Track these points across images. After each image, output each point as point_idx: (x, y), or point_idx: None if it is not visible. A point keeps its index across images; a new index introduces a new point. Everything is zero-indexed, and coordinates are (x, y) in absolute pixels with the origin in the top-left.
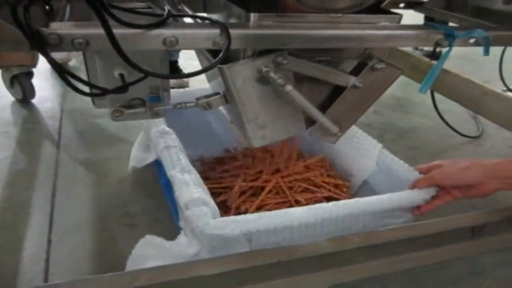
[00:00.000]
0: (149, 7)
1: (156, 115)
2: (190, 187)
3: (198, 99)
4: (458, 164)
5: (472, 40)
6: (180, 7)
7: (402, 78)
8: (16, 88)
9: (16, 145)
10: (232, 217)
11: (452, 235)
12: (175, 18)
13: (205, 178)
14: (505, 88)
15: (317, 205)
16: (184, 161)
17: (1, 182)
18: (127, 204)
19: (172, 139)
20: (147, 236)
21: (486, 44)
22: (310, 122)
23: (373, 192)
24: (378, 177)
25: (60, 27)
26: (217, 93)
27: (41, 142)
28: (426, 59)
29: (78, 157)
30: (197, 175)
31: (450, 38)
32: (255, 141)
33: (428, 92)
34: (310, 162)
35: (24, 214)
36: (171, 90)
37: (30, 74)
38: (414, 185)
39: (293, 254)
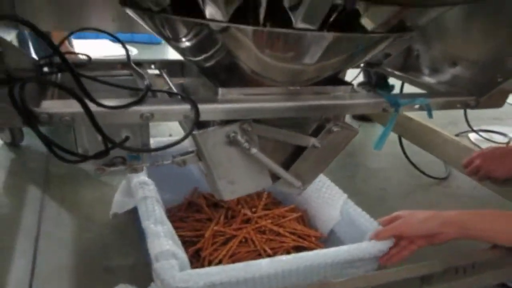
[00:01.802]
0: (131, 75)
1: (135, 171)
2: (161, 239)
3: (174, 156)
4: (417, 215)
5: (416, 106)
6: (159, 73)
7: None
8: (5, 131)
9: (3, 188)
10: (197, 270)
11: (401, 285)
12: (153, 92)
13: (178, 227)
14: (469, 129)
15: (279, 257)
16: (159, 212)
17: None
18: (107, 250)
19: (150, 189)
20: (120, 285)
21: (428, 109)
22: (276, 176)
23: (339, 241)
24: (343, 227)
25: (50, 107)
26: (191, 152)
27: (27, 185)
28: None
29: (63, 200)
30: (170, 226)
31: (395, 105)
32: (225, 195)
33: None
34: (281, 211)
35: (7, 259)
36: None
37: None
38: (376, 236)
39: None
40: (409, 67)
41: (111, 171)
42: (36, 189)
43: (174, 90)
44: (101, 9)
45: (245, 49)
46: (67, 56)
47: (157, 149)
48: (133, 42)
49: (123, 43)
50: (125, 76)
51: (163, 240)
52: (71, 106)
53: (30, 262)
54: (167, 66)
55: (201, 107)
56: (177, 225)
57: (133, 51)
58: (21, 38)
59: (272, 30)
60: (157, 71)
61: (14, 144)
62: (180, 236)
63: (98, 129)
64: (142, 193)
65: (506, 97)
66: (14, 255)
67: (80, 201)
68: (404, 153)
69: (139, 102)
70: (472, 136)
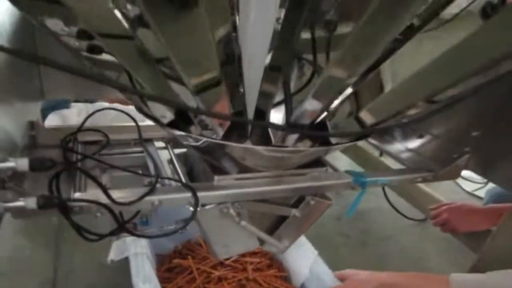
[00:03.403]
0: (142, 152)
1: (143, 236)
2: None
3: (176, 222)
4: (359, 276)
5: (380, 182)
6: (166, 147)
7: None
8: None
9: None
10: None
11: None
12: (161, 180)
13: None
14: None
15: None
16: (148, 270)
17: None
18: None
19: (142, 246)
20: None
21: (389, 186)
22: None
23: None
24: (312, 282)
25: (81, 198)
26: (191, 219)
27: (42, 228)
28: (375, 155)
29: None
30: (157, 284)
31: (362, 184)
32: (220, 256)
33: None
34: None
35: None
36: None
37: None
38: None
39: None
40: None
41: (123, 235)
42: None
43: (179, 171)
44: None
45: (235, 153)
46: (88, 132)
47: (163, 235)
48: None
49: (137, 123)
50: (138, 154)
51: None
52: (97, 197)
53: None
54: (172, 139)
55: (200, 194)
56: (164, 277)
57: None
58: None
59: (252, 148)
60: (163, 144)
61: None
62: None
63: (117, 220)
64: (134, 249)
65: (461, 170)
66: None
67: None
68: (385, 195)
69: (150, 193)
70: None
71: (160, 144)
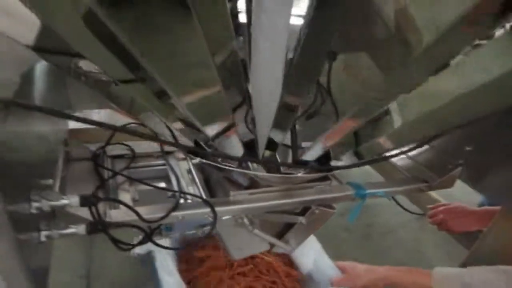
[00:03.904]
0: (164, 165)
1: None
2: None
3: (196, 227)
4: (357, 269)
5: (379, 194)
6: (185, 158)
7: None
8: None
9: None
10: None
11: None
12: (184, 195)
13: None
14: None
15: None
16: (171, 264)
17: None
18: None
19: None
20: None
21: (387, 197)
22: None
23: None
24: (315, 273)
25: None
26: (209, 224)
27: None
28: None
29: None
30: (179, 277)
31: (362, 196)
32: (235, 256)
33: None
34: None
35: None
36: None
37: None
38: (333, 283)
39: None
40: None
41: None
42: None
43: (199, 185)
44: None
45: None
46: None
47: (185, 247)
48: None
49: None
50: (161, 166)
51: None
52: (130, 215)
53: None
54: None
55: (218, 209)
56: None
57: None
58: None
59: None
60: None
61: None
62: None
63: (146, 235)
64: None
65: (455, 180)
66: None
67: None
68: None
69: (174, 209)
70: None
71: (180, 154)
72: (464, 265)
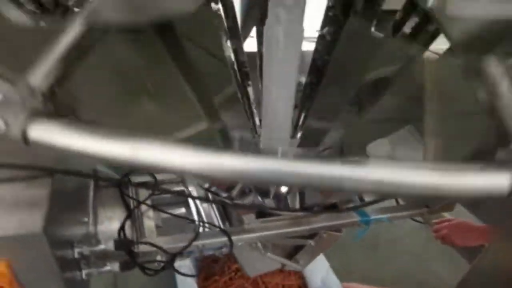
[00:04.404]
0: (183, 191)
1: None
2: None
3: (214, 249)
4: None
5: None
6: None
7: None
8: None
9: None
10: None
11: None
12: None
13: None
14: None
15: None
16: (190, 280)
17: None
18: None
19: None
20: None
21: (388, 221)
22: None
23: None
24: None
25: (144, 250)
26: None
27: None
28: None
29: None
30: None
31: (366, 223)
32: (251, 274)
33: None
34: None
35: None
36: None
37: None
38: None
39: None
40: None
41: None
42: None
43: (216, 213)
44: None
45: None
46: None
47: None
48: None
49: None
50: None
51: None
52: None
53: None
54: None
55: (234, 238)
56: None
57: None
58: None
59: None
60: None
61: None
62: None
63: (171, 265)
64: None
65: (454, 205)
66: None
67: None
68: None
69: (195, 239)
70: None
71: None
72: (464, 281)
